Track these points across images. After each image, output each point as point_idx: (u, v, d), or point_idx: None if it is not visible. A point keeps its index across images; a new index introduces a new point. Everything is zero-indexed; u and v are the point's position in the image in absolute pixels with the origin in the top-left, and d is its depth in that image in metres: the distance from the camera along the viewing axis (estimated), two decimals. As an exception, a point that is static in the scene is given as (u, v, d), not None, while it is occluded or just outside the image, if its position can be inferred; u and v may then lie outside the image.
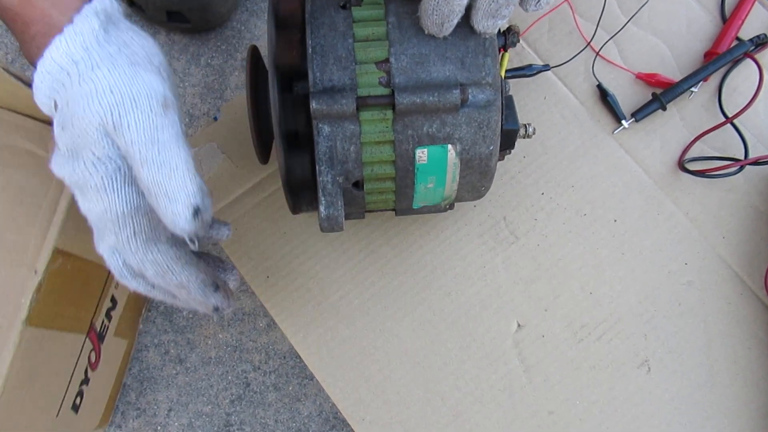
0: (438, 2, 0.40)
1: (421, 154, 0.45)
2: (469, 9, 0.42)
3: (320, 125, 0.45)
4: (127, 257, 0.43)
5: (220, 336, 1.01)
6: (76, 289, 0.73)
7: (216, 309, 0.47)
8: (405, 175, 0.47)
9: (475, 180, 0.49)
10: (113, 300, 0.85)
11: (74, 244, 0.68)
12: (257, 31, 1.00)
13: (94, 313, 0.80)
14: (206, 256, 0.51)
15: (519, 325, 0.60)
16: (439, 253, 0.61)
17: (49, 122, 0.65)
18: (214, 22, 0.94)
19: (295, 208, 0.52)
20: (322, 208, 0.46)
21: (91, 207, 0.42)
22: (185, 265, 0.44)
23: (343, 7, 0.46)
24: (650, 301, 0.60)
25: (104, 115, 0.39)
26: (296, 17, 0.48)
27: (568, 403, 0.58)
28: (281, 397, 0.99)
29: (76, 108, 0.39)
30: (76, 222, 0.67)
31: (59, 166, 0.42)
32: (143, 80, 0.40)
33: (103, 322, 0.84)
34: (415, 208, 0.52)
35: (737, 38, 0.64)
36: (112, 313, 0.86)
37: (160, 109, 0.40)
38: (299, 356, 0.99)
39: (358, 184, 0.48)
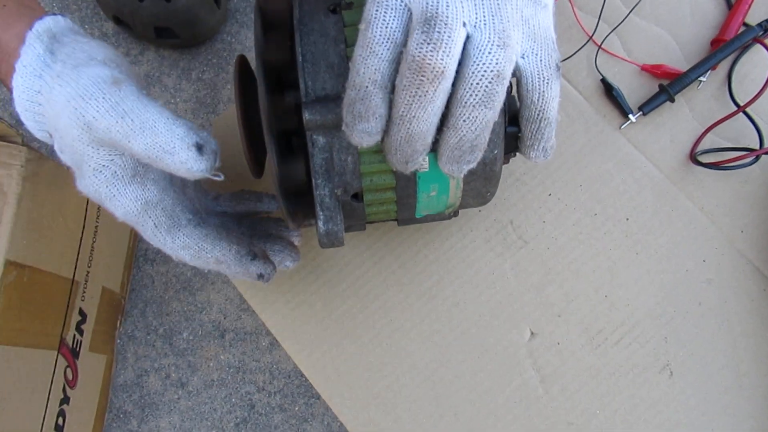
0: (400, 143, 0.37)
1: (422, 162, 0.43)
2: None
3: (315, 136, 0.42)
4: (161, 247, 0.45)
5: (222, 357, 0.99)
6: (38, 302, 0.72)
7: (260, 276, 0.49)
8: (406, 184, 0.45)
9: (480, 186, 0.47)
10: (82, 313, 0.83)
11: (27, 254, 0.68)
12: (248, 42, 0.98)
13: (63, 327, 0.79)
14: (266, 220, 0.56)
15: (532, 333, 0.57)
16: (444, 262, 0.59)
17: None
18: (203, 35, 0.92)
19: (294, 224, 0.49)
20: (320, 224, 0.44)
21: (119, 214, 0.44)
22: (215, 241, 0.46)
23: (333, 11, 0.44)
24: (668, 301, 0.57)
25: (76, 122, 0.41)
26: (284, 21, 0.45)
27: (588, 413, 0.55)
28: (288, 418, 0.97)
29: (59, 128, 0.41)
30: (26, 232, 0.66)
31: (80, 187, 0.44)
32: (86, 74, 0.41)
33: (74, 336, 0.82)
34: (418, 217, 0.49)
35: (744, 24, 0.61)
36: (84, 327, 0.85)
37: (111, 87, 0.40)
38: (304, 375, 0.97)
39: (357, 196, 0.45)
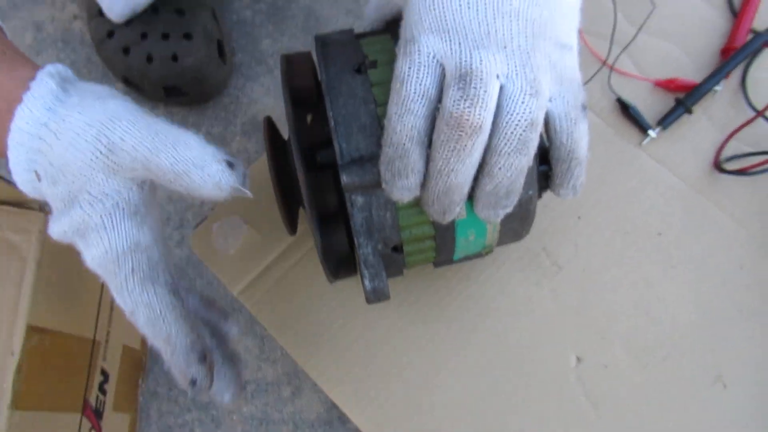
0: (438, 195, 0.38)
1: (460, 211, 0.43)
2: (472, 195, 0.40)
3: (353, 197, 0.42)
4: (122, 298, 0.41)
5: (245, 409, 0.97)
6: (61, 365, 0.71)
7: (193, 382, 0.43)
8: (444, 233, 0.45)
9: (517, 225, 0.47)
10: (104, 373, 0.82)
11: (48, 318, 0.67)
12: (254, 95, 0.98)
13: (86, 388, 0.77)
14: (210, 304, 0.50)
15: (578, 359, 0.57)
16: (481, 296, 0.58)
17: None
18: (211, 92, 0.92)
19: (335, 277, 0.49)
20: (366, 282, 0.44)
21: (93, 253, 0.41)
22: (178, 318, 0.42)
23: (358, 71, 0.44)
24: (711, 312, 0.57)
25: (94, 146, 0.38)
26: (310, 88, 0.46)
27: (644, 434, 0.55)
28: (316, 467, 0.95)
29: (64, 158, 0.39)
30: (46, 295, 0.66)
31: (57, 222, 0.41)
32: (113, 102, 0.40)
33: (98, 397, 0.80)
34: (455, 260, 0.50)
35: (752, 30, 0.62)
36: (106, 387, 0.83)
37: (142, 112, 0.40)
38: (329, 424, 0.96)
39: (396, 248, 0.46)
